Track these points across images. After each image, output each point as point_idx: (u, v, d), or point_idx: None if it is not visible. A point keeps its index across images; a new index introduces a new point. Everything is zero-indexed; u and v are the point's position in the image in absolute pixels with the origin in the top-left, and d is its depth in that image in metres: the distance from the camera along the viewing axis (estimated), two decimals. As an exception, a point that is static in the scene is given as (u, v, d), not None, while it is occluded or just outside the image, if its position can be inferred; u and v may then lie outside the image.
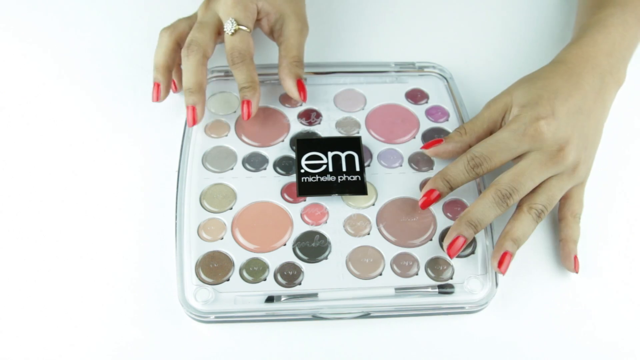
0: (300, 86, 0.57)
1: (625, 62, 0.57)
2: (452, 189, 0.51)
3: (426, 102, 0.61)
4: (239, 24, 0.55)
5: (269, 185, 0.54)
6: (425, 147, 0.54)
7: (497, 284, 0.49)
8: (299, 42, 0.59)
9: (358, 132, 0.58)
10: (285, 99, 0.60)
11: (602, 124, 0.54)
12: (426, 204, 0.51)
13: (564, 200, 0.53)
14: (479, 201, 0.49)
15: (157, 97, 0.57)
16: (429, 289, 0.48)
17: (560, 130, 0.50)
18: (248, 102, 0.55)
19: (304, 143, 0.55)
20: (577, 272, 0.50)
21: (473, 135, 0.53)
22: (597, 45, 0.55)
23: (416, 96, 0.61)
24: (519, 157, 0.51)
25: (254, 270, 0.49)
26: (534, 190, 0.50)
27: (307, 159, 0.54)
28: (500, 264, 0.48)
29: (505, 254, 0.48)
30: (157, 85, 0.57)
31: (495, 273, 0.49)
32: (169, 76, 0.57)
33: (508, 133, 0.50)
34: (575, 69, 0.53)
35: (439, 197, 0.51)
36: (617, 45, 0.56)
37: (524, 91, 0.53)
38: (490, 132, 0.53)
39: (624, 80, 0.56)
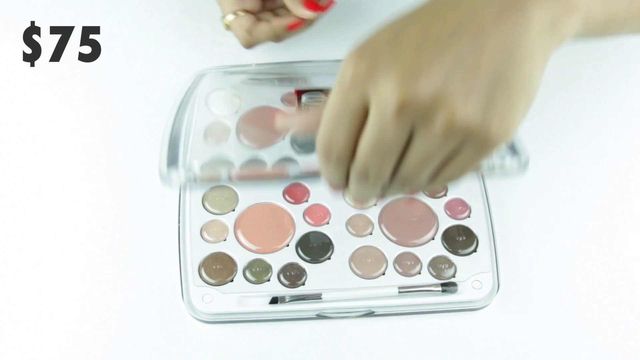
0: (309, 4, 0.54)
1: None
2: None
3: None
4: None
5: (271, 187, 0.54)
6: None
7: (499, 282, 0.49)
8: None
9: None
10: (286, 99, 0.60)
11: (523, 50, 0.33)
12: None
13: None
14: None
15: None
16: (432, 288, 0.48)
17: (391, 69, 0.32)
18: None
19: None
20: None
21: None
22: None
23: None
24: None
25: (257, 271, 0.49)
26: None
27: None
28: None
29: None
30: None
31: (498, 271, 0.49)
32: None
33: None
34: None
35: None
36: None
37: None
38: None
39: None
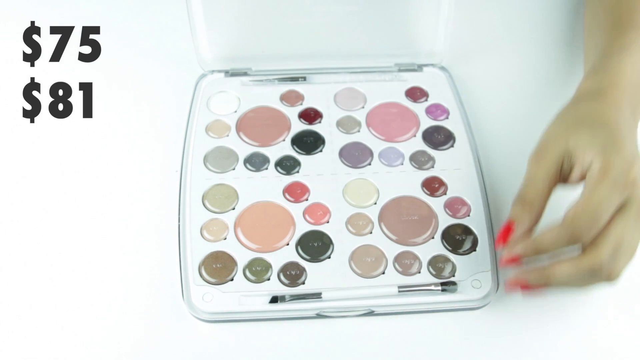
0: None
1: None
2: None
3: (426, 100, 0.61)
4: None
5: (271, 185, 0.54)
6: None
7: (499, 281, 0.49)
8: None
9: (359, 131, 0.58)
10: (286, 98, 0.61)
11: None
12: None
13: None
14: (565, 264, 0.44)
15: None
16: (432, 287, 0.48)
17: None
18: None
19: None
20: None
21: (538, 204, 0.46)
22: (627, 76, 0.50)
23: (415, 94, 0.61)
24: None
25: (257, 270, 0.49)
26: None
27: None
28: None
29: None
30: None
31: (497, 270, 0.49)
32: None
33: (608, 188, 0.43)
34: (616, 100, 0.48)
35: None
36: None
37: (588, 134, 0.46)
38: (551, 190, 0.46)
39: None
